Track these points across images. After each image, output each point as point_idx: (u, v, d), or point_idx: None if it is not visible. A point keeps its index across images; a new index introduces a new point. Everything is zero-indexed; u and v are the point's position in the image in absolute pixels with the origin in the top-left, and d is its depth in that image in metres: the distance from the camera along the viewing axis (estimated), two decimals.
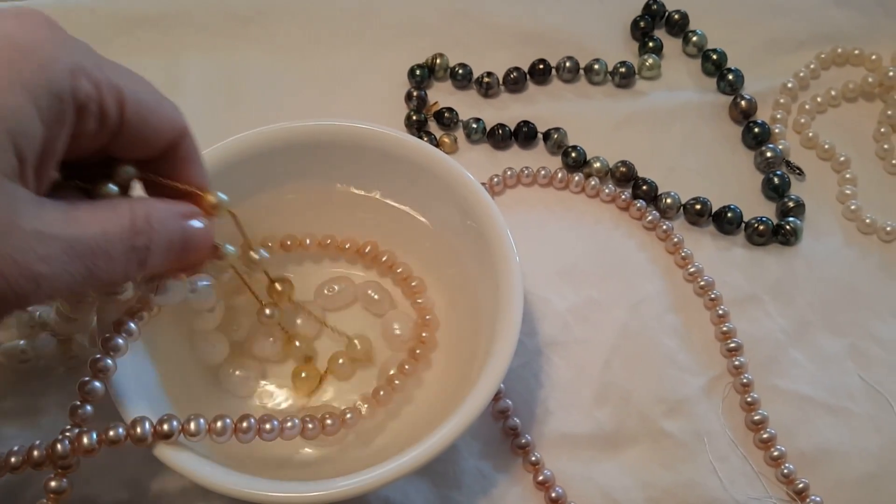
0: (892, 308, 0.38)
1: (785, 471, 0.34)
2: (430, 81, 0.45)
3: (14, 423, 0.33)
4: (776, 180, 0.41)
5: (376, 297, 0.35)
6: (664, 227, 0.39)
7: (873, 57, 0.45)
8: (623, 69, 0.44)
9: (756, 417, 0.35)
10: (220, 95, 0.43)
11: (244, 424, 0.27)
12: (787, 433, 0.34)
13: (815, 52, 0.46)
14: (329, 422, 0.29)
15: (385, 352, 0.35)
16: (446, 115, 0.43)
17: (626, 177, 0.41)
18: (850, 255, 0.40)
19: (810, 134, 0.43)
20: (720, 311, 0.37)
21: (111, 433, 0.26)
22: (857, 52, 0.45)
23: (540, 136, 0.43)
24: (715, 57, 0.45)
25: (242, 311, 0.34)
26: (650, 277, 0.38)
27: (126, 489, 0.32)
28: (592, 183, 0.41)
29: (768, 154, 0.41)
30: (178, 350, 0.33)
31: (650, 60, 0.44)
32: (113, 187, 0.25)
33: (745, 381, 0.35)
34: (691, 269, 0.38)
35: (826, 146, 0.42)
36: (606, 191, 0.41)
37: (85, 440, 0.25)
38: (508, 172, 0.41)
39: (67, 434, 0.26)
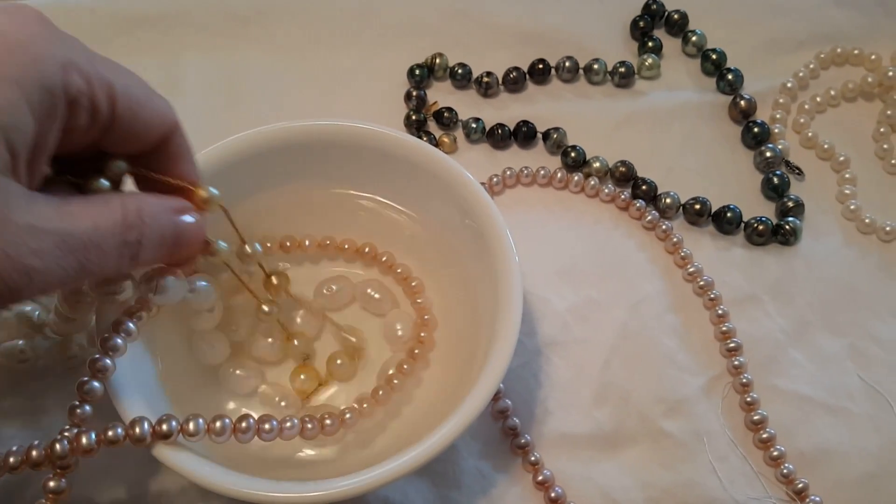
0: (891, 308, 0.38)
1: (784, 471, 0.34)
2: (429, 81, 0.45)
3: (13, 423, 0.33)
4: (775, 180, 0.41)
5: (377, 296, 0.35)
6: (663, 226, 0.39)
7: (873, 57, 0.45)
8: (622, 69, 0.44)
9: (755, 417, 0.35)
10: (220, 95, 0.43)
11: (243, 424, 0.27)
12: (786, 433, 0.34)
13: (814, 51, 0.46)
14: (328, 422, 0.29)
15: (385, 352, 0.34)
16: (446, 114, 0.43)
17: (625, 176, 0.41)
18: (849, 254, 0.40)
19: (810, 134, 0.43)
20: (719, 311, 0.37)
21: (110, 433, 0.26)
22: (856, 51, 0.45)
23: (539, 135, 0.43)
24: (714, 57, 0.45)
25: (242, 311, 0.34)
26: (649, 277, 0.38)
27: (125, 489, 0.32)
28: (592, 183, 0.41)
29: (768, 154, 0.41)
30: (177, 350, 0.33)
31: (650, 60, 0.44)
32: (104, 182, 0.25)
33: (744, 380, 0.35)
34: (691, 269, 0.38)
35: (825, 146, 0.42)
36: (606, 191, 0.41)
37: (84, 440, 0.25)
38: (508, 172, 0.41)
39: (66, 434, 0.26)
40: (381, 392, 0.32)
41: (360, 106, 0.43)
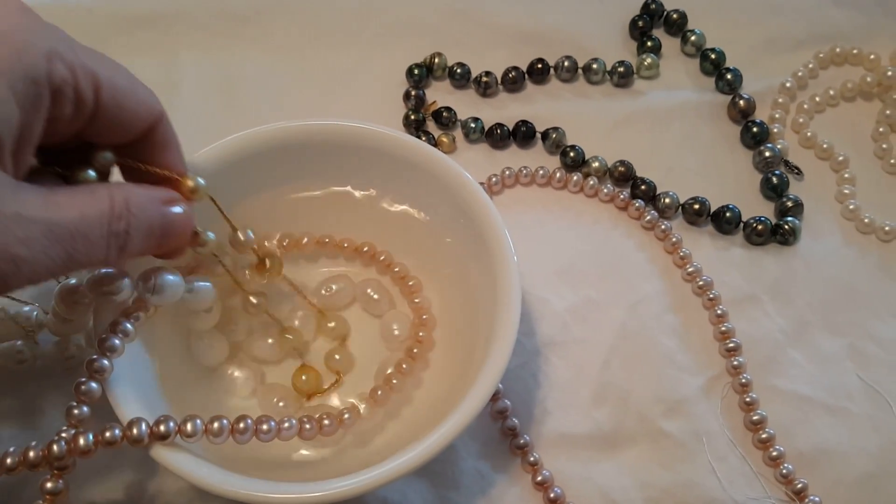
0: (890, 308, 0.38)
1: (784, 471, 0.33)
2: (428, 81, 0.45)
3: (10, 424, 0.33)
4: (775, 180, 0.41)
5: (376, 296, 0.35)
6: (663, 226, 0.39)
7: (872, 56, 0.45)
8: (621, 69, 0.44)
9: (755, 417, 0.35)
10: (219, 95, 0.43)
11: (241, 425, 0.27)
12: (785, 433, 0.34)
13: (813, 51, 0.46)
14: (326, 422, 0.29)
15: (383, 352, 0.34)
16: (444, 114, 0.43)
17: (624, 176, 0.41)
18: (848, 254, 0.40)
19: (809, 133, 0.43)
20: (719, 311, 0.37)
21: (107, 434, 0.26)
22: (855, 51, 0.45)
23: (538, 135, 0.42)
24: (713, 56, 0.45)
25: (240, 311, 0.34)
26: (649, 277, 0.38)
27: (122, 490, 0.32)
28: (591, 182, 0.41)
29: (767, 154, 0.41)
30: (176, 350, 0.33)
31: (649, 60, 0.44)
32: (91, 173, 0.25)
33: (743, 380, 0.35)
34: (690, 269, 0.38)
35: (825, 146, 0.42)
36: (605, 190, 0.41)
37: (81, 441, 0.25)
38: (507, 172, 0.41)
39: (64, 435, 0.26)
40: (379, 392, 0.32)
41: (359, 105, 0.43)
